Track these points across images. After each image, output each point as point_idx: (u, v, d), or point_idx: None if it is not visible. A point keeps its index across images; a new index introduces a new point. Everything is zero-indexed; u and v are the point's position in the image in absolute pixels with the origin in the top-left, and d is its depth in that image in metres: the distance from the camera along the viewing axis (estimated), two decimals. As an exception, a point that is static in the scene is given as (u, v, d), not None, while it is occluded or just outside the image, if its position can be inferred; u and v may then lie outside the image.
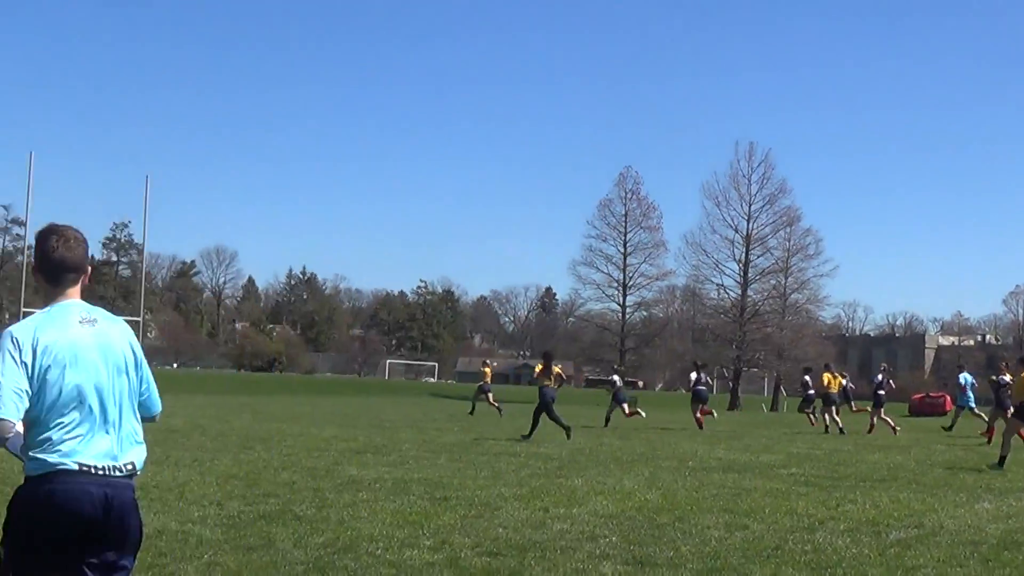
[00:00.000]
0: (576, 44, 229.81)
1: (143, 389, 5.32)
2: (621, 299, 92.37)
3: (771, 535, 11.80)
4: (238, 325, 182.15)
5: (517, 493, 14.72)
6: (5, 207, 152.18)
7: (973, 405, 38.09)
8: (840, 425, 35.40)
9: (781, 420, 49.90)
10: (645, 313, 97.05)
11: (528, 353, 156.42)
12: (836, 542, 11.40)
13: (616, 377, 39.34)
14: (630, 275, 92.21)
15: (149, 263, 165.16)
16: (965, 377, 38.36)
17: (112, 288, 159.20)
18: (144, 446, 5.21)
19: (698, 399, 36.82)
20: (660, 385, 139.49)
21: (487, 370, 46.58)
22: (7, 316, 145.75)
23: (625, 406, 37.96)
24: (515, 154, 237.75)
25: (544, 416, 26.96)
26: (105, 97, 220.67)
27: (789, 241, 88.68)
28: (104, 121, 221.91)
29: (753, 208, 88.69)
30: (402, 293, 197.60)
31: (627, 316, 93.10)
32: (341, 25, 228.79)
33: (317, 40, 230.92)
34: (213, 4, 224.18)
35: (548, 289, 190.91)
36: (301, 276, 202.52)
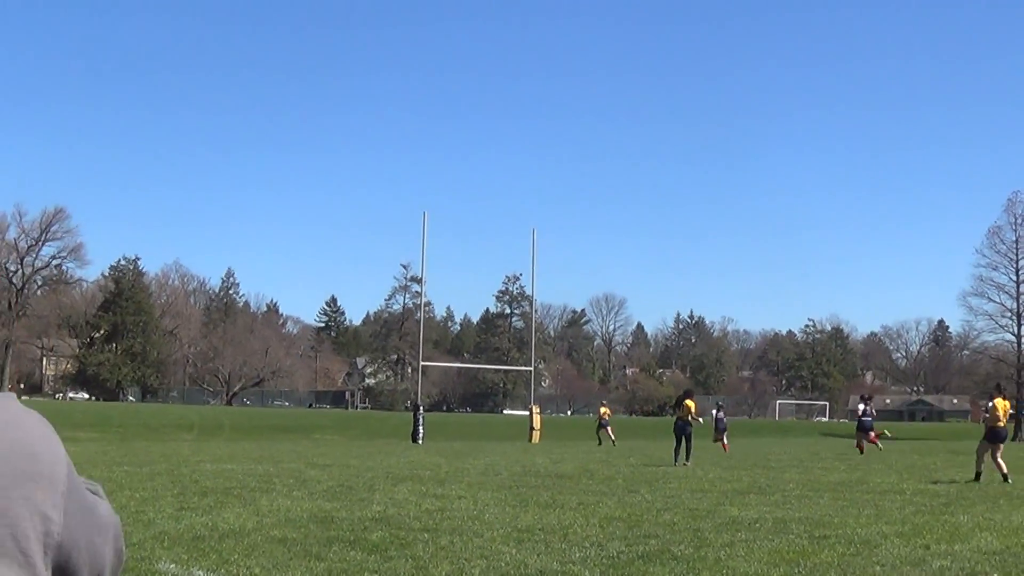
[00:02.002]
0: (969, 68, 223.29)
1: None
2: (1016, 329, 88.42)
3: None
4: (628, 371, 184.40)
5: (899, 530, 14.50)
6: (404, 266, 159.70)
7: None
8: None
9: None
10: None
11: (922, 389, 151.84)
12: None
13: (719, 412, 50.34)
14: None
15: (541, 314, 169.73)
16: None
17: (506, 339, 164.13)
18: None
19: (862, 428, 41.96)
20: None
21: (604, 410, 59.22)
22: (410, 370, 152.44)
23: (725, 436, 48.50)
24: (897, 184, 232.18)
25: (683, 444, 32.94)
26: (490, 157, 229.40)
27: None
28: (491, 179, 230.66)
29: None
30: (790, 332, 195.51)
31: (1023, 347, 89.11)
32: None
33: (685, 98, 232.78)
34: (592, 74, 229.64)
35: (940, 322, 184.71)
36: (689, 320, 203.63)
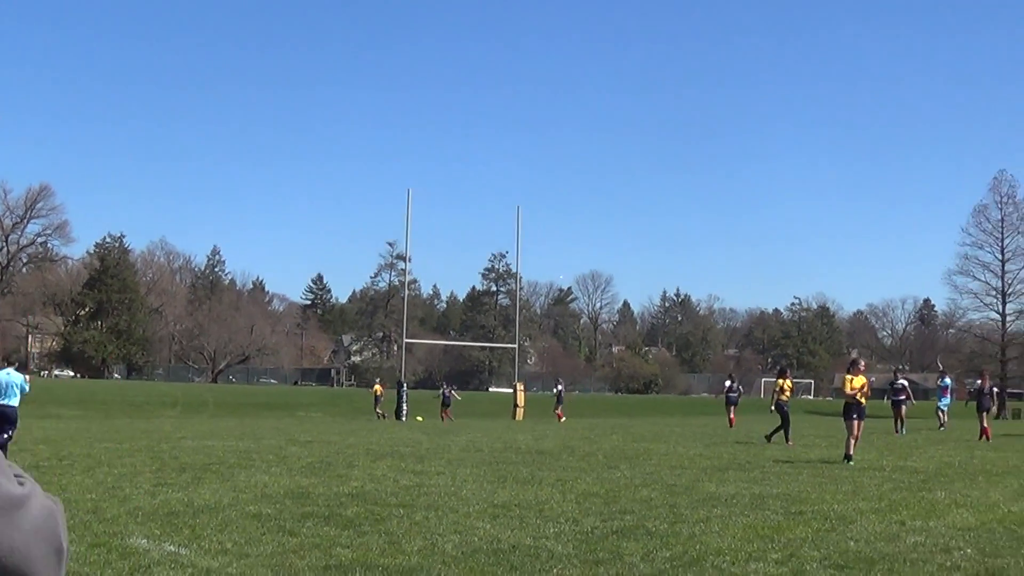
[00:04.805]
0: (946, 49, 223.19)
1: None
2: (1000, 308, 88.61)
3: None
4: (614, 349, 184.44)
5: (875, 507, 14.51)
6: (390, 244, 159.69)
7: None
8: None
9: None
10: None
11: (907, 367, 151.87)
12: None
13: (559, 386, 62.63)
14: (1009, 282, 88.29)
15: (527, 291, 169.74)
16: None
17: (492, 317, 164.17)
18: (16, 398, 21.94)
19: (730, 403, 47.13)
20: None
21: (377, 388, 63.79)
22: (395, 348, 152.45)
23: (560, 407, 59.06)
24: (883, 162, 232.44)
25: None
26: (475, 133, 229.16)
27: None
28: (476, 156, 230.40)
29: None
30: (776, 311, 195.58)
31: (1007, 325, 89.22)
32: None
33: (643, 85, 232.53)
34: (568, 52, 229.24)
35: (926, 301, 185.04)
36: (675, 298, 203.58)
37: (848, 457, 22.96)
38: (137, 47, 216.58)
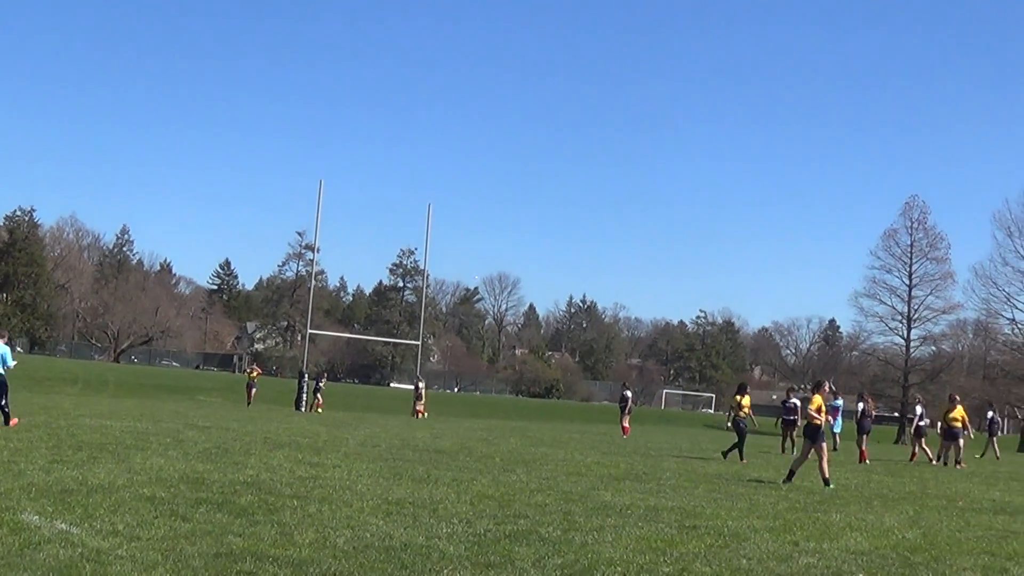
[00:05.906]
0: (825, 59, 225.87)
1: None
2: (905, 333, 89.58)
3: (1027, 579, 11.43)
4: (518, 351, 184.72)
5: (770, 525, 14.61)
6: (300, 233, 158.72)
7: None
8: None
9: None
10: (932, 348, 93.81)
11: (809, 386, 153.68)
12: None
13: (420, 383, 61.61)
14: (915, 308, 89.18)
15: (435, 289, 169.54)
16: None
17: (397, 313, 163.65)
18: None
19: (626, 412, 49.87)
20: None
21: (254, 372, 65.91)
22: (299, 338, 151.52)
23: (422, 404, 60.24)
24: (795, 181, 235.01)
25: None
26: (389, 125, 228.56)
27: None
28: (390, 153, 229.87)
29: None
30: (682, 323, 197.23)
31: (911, 350, 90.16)
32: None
33: (603, 80, 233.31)
34: (488, 41, 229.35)
35: (831, 321, 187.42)
36: (581, 304, 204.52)
37: (827, 481, 22.36)
38: (51, 18, 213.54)
